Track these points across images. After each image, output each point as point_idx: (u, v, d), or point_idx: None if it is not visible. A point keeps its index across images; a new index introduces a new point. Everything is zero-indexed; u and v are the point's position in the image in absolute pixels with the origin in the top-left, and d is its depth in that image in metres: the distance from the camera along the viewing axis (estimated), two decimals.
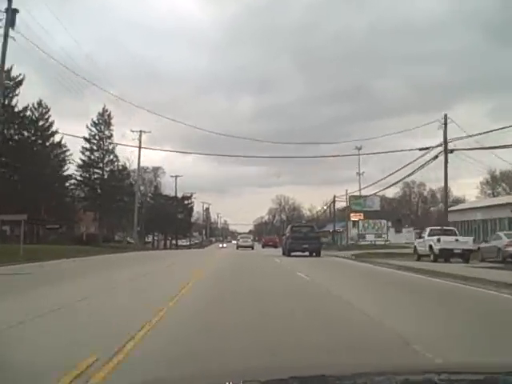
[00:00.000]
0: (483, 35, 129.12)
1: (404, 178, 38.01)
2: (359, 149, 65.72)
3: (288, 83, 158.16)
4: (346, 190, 71.62)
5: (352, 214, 70.78)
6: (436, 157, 29.97)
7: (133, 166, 71.43)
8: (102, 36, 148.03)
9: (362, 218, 71.39)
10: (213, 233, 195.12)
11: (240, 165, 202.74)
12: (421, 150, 30.31)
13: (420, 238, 27.48)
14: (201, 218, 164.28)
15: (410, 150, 33.31)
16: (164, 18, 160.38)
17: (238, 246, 65.26)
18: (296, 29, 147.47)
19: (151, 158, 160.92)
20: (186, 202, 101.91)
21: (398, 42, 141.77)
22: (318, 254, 34.95)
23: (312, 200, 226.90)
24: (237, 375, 2.74)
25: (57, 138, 61.01)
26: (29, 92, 60.69)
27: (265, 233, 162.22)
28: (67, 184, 64.90)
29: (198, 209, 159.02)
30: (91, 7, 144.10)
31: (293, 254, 34.47)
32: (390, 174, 47.36)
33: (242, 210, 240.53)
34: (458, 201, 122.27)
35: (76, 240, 57.55)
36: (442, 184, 33.15)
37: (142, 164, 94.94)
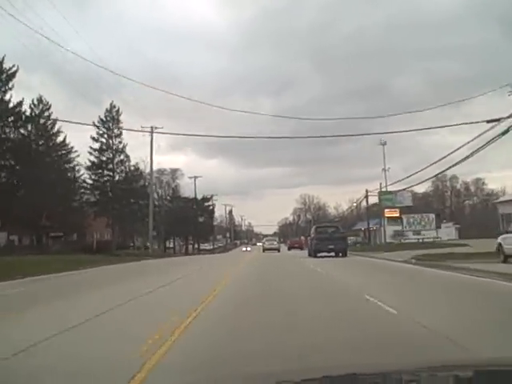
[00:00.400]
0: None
1: (458, 162, 31.66)
2: (383, 144, 64.49)
3: (305, 84, 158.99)
4: (380, 184, 65.22)
5: (386, 211, 64.43)
6: (507, 131, 23.74)
7: (147, 168, 65.88)
8: (119, 43, 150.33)
9: (397, 214, 65.03)
10: (237, 235, 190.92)
11: (261, 167, 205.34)
12: (488, 122, 24.12)
13: (508, 233, 20.95)
14: (224, 221, 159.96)
15: (475, 122, 26.82)
16: (181, 23, 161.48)
17: (264, 249, 65.34)
18: (312, 29, 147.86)
19: (171, 163, 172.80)
20: (206, 204, 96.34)
21: (414, 37, 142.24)
22: (345, 254, 34.87)
23: (336, 199, 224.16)
24: (268, 377, 2.77)
25: (61, 138, 56.12)
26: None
27: (290, 234, 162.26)
28: (75, 188, 59.51)
29: (220, 212, 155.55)
30: (107, 15, 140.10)
31: (319, 254, 34.40)
32: (423, 169, 43.59)
33: (264, 212, 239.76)
34: (494, 194, 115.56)
35: (85, 249, 52.24)
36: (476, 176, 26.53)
37: (159, 167, 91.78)
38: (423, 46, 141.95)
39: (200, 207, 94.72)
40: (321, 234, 36.43)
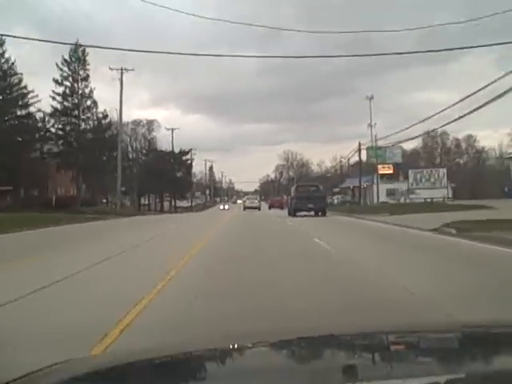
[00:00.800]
0: None
1: (450, 122, 26.16)
2: (371, 98, 62.25)
3: (291, 36, 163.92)
4: (375, 136, 59.43)
5: (380, 167, 59.06)
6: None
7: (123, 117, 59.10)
8: None
9: (391, 170, 59.75)
10: (217, 193, 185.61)
11: (244, 123, 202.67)
12: None
13: None
14: (204, 178, 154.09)
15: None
16: None
17: (245, 207, 65.34)
18: None
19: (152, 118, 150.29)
20: (184, 158, 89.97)
21: None
22: (324, 214, 35.13)
23: (320, 156, 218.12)
24: (244, 337, 2.75)
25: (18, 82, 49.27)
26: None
27: (272, 192, 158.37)
28: (34, 136, 52.86)
29: (200, 168, 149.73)
30: None
31: (298, 213, 34.85)
32: (412, 125, 45.44)
33: (247, 170, 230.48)
34: (485, 152, 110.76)
35: (45, 205, 46.19)
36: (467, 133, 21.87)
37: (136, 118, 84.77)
38: None
39: (177, 161, 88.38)
40: (301, 193, 36.53)
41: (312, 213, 35.59)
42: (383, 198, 57.57)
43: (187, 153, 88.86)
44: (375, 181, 59.28)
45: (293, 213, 35.77)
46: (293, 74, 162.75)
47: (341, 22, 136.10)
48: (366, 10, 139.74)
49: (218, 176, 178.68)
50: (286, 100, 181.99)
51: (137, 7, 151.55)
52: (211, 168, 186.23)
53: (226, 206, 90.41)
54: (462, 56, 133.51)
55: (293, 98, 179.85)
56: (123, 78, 52.76)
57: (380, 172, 59.13)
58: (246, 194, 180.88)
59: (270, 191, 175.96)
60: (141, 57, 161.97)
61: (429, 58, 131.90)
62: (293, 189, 40.04)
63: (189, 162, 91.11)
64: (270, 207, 74.69)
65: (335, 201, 72.03)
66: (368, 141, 60.05)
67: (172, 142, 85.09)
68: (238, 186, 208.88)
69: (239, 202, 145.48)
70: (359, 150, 57.59)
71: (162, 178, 79.98)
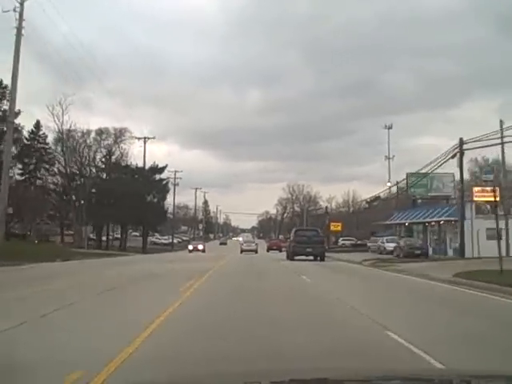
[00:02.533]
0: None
1: None
2: (389, 128, 62.81)
3: (295, 77, 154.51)
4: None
5: (476, 190, 34.41)
6: None
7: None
8: (105, 26, 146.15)
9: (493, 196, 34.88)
10: (211, 228, 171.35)
11: (243, 160, 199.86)
12: None
13: None
14: (195, 210, 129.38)
15: None
16: (169, 8, 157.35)
17: (242, 250, 59.53)
18: (304, 21, 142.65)
19: (153, 154, 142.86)
20: (158, 177, 64.97)
21: (408, 34, 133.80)
22: (322, 259, 34.48)
23: (328, 192, 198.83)
24: (237, 377, 2.85)
25: None
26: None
27: (272, 230, 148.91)
28: None
29: (190, 200, 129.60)
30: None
31: (296, 257, 34.39)
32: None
33: (244, 207, 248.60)
34: None
35: None
36: None
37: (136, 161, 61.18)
38: (416, 42, 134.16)
39: (151, 183, 63.65)
40: (300, 237, 36.02)
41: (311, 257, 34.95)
42: (483, 242, 32.45)
43: (161, 170, 63.81)
44: (470, 215, 34.39)
45: (291, 256, 35.26)
46: (294, 114, 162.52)
47: (345, 67, 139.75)
48: (368, 55, 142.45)
49: (212, 210, 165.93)
50: (286, 139, 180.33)
51: (139, 43, 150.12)
52: (206, 202, 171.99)
53: (200, 246, 63.65)
54: (463, 102, 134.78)
55: (293, 138, 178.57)
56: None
57: (476, 198, 34.28)
58: (243, 230, 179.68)
59: (270, 228, 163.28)
60: (141, 90, 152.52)
61: (431, 103, 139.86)
62: (292, 232, 39.60)
63: (164, 182, 65.82)
64: (268, 250, 69.18)
65: (386, 244, 46.62)
66: (379, 179, 44.63)
67: (144, 155, 60.49)
68: (234, 223, 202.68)
69: (234, 239, 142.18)
70: (461, 153, 32.69)
71: (123, 203, 55.11)
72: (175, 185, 73.37)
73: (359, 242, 68.79)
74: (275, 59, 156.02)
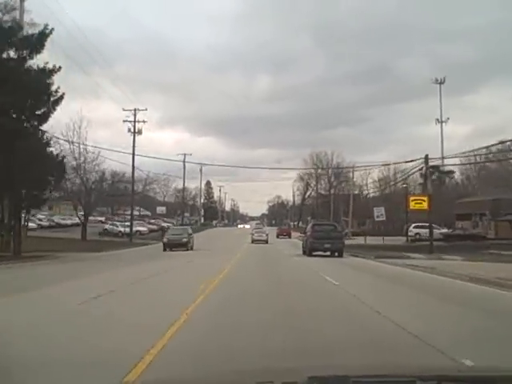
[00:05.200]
0: None
1: None
2: (441, 82, 57.75)
3: (307, 62, 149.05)
4: None
5: None
6: None
7: None
8: (114, 10, 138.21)
9: None
10: (215, 214, 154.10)
11: (253, 148, 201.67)
12: None
13: None
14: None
15: None
16: None
17: (253, 240, 57.44)
18: (316, 4, 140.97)
19: (163, 142, 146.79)
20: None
21: (424, 16, 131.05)
22: (341, 255, 34.02)
23: None
24: (251, 375, 2.87)
25: None
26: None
27: (286, 216, 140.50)
28: None
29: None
30: None
31: (314, 253, 33.87)
32: None
33: (253, 194, 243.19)
34: None
35: None
36: None
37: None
38: (433, 26, 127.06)
39: None
40: (317, 232, 34.95)
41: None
42: None
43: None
44: None
45: (308, 252, 34.38)
46: (305, 101, 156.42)
47: (358, 50, 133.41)
48: (383, 39, 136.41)
49: (217, 195, 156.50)
50: (297, 127, 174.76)
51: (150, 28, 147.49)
52: (208, 183, 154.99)
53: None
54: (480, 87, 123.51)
55: (304, 125, 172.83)
56: None
57: None
58: (252, 218, 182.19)
59: (281, 215, 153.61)
60: (152, 78, 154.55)
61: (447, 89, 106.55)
62: (309, 227, 38.86)
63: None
64: (278, 236, 74.95)
65: None
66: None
67: None
68: (243, 211, 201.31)
69: (240, 226, 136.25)
70: None
71: None
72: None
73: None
74: (286, 44, 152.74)
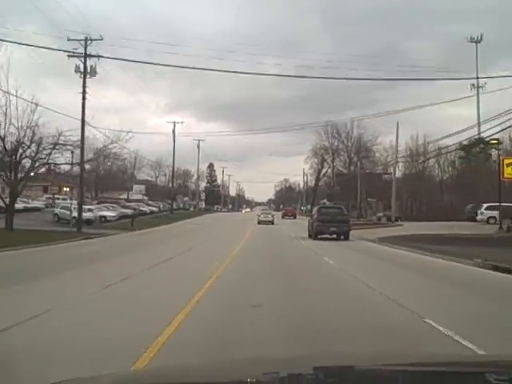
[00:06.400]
0: None
1: None
2: (477, 41, 54.25)
3: (314, 45, 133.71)
4: None
5: None
6: None
7: None
8: None
9: None
10: (217, 198, 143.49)
11: (260, 133, 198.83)
12: None
13: None
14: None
15: None
16: None
17: (259, 222, 57.55)
18: None
19: (169, 128, 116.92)
20: None
21: None
22: (347, 238, 33.43)
23: None
24: (257, 365, 2.85)
25: None
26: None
27: (295, 201, 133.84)
28: None
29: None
30: None
31: (319, 236, 33.31)
32: None
33: (260, 180, 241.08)
34: None
35: None
36: None
37: None
38: (443, 5, 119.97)
39: None
40: (323, 215, 34.41)
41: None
42: None
43: None
44: None
45: (314, 236, 33.68)
46: (312, 85, 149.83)
47: (366, 33, 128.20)
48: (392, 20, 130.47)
49: (226, 181, 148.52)
50: (303, 110, 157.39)
51: (156, 11, 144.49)
52: (211, 166, 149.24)
53: None
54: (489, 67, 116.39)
55: (309, 109, 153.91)
56: None
57: None
58: (259, 204, 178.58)
59: (290, 199, 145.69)
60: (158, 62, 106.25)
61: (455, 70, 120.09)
62: (315, 210, 38.64)
63: None
64: (283, 216, 77.34)
65: None
66: None
67: None
68: (249, 195, 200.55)
69: (244, 211, 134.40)
70: None
71: None
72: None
73: None
74: (294, 27, 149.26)
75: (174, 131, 72.17)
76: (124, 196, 75.60)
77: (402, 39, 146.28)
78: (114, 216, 46.28)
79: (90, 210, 43.53)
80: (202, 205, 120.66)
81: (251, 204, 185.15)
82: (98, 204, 52.83)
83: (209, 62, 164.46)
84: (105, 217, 44.90)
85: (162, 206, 67.99)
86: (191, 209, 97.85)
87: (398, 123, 48.75)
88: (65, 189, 61.81)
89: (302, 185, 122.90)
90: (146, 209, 58.66)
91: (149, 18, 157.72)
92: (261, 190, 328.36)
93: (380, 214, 58.96)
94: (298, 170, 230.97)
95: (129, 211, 50.82)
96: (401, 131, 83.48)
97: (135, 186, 67.04)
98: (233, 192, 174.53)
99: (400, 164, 73.81)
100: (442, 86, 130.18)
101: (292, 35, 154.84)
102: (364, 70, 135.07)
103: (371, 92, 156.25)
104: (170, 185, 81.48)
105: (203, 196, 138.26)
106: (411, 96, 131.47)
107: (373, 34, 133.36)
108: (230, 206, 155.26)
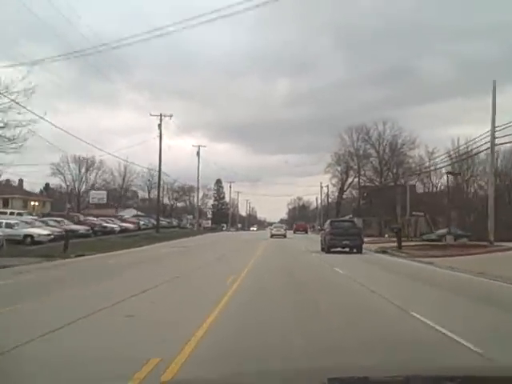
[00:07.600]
0: None
1: None
2: None
3: (326, 64, 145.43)
4: None
5: None
6: None
7: None
8: (128, 13, 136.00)
9: None
10: (224, 218, 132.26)
11: (272, 153, 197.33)
12: None
13: None
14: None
15: None
16: None
17: (272, 235, 61.66)
18: (336, 3, 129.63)
19: (182, 148, 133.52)
20: None
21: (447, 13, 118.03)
22: (360, 251, 33.34)
23: None
24: (273, 378, 2.81)
25: None
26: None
27: (312, 220, 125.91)
28: None
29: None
30: None
31: (332, 250, 33.40)
32: None
33: (272, 200, 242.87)
34: None
35: None
36: None
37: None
38: (455, 23, 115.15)
39: None
40: (336, 229, 34.69)
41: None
42: None
43: None
44: None
45: (327, 249, 33.64)
46: (324, 105, 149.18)
47: (379, 52, 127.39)
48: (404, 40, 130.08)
49: (227, 194, 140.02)
50: (316, 131, 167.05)
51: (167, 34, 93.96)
52: (219, 182, 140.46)
53: None
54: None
55: (322, 129, 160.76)
56: None
57: None
58: (270, 224, 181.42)
59: (303, 217, 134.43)
60: (170, 85, 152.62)
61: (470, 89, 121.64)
62: (327, 224, 38.35)
63: None
64: (294, 231, 78.57)
65: None
66: None
67: None
68: (261, 216, 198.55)
69: (252, 229, 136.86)
70: None
71: None
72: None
73: None
74: (305, 47, 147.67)
75: (198, 153, 77.06)
76: (124, 213, 63.98)
77: (414, 58, 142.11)
78: (46, 235, 31.21)
79: (9, 226, 28.64)
80: (208, 223, 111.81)
81: (263, 224, 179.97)
82: (42, 217, 38.08)
83: (221, 83, 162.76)
84: (31, 236, 29.92)
85: (142, 223, 52.88)
86: (188, 225, 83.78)
87: (494, 82, 34.93)
88: None
89: (319, 201, 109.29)
90: (113, 225, 43.58)
91: (162, 40, 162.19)
92: (273, 209, 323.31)
93: (443, 231, 44.27)
94: (311, 189, 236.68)
95: (81, 227, 35.73)
96: (438, 142, 67.91)
97: (92, 193, 51.85)
98: (243, 211, 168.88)
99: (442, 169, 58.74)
100: (453, 108, 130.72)
101: (304, 55, 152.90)
102: (376, 89, 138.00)
103: (383, 111, 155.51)
104: (164, 199, 68.85)
105: (210, 214, 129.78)
106: (422, 116, 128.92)
107: (384, 53, 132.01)
108: (239, 225, 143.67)
